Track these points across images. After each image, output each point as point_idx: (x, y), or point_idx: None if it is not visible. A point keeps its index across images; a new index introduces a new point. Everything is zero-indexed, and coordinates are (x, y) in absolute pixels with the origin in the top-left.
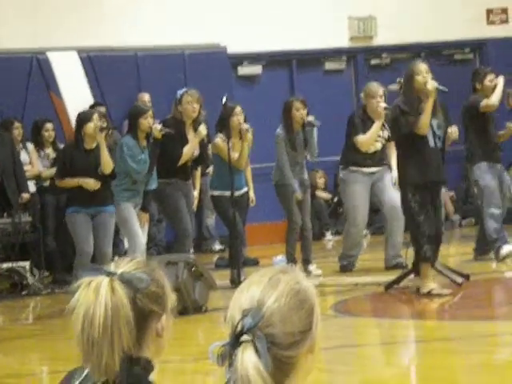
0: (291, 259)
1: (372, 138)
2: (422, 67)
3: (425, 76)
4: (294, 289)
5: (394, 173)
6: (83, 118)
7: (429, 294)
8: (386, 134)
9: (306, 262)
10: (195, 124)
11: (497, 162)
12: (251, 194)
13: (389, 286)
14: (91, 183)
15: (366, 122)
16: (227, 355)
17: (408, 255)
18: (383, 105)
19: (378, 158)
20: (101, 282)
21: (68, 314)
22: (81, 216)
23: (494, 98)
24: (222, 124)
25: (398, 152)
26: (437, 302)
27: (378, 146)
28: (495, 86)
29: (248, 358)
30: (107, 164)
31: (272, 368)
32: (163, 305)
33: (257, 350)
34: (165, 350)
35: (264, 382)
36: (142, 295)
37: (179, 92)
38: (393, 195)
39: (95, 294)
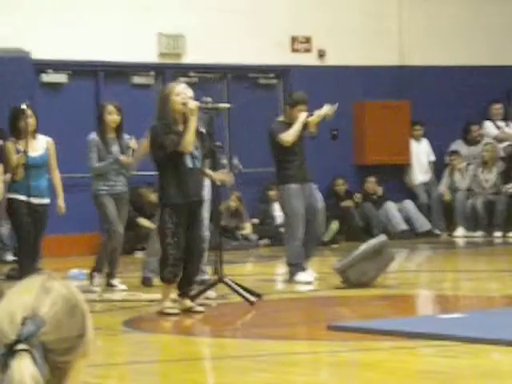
0: (98, 271)
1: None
2: (180, 88)
3: (184, 97)
4: (65, 295)
5: None
6: None
7: (162, 313)
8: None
9: (111, 275)
10: None
11: (305, 181)
12: (60, 202)
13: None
14: None
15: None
16: (0, 364)
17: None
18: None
19: None
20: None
21: None
22: None
23: (289, 135)
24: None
25: (158, 172)
26: (225, 319)
27: None
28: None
29: (25, 368)
30: None
31: (47, 375)
32: None
33: (34, 359)
34: None
35: None
36: None
37: None
38: None
39: None
